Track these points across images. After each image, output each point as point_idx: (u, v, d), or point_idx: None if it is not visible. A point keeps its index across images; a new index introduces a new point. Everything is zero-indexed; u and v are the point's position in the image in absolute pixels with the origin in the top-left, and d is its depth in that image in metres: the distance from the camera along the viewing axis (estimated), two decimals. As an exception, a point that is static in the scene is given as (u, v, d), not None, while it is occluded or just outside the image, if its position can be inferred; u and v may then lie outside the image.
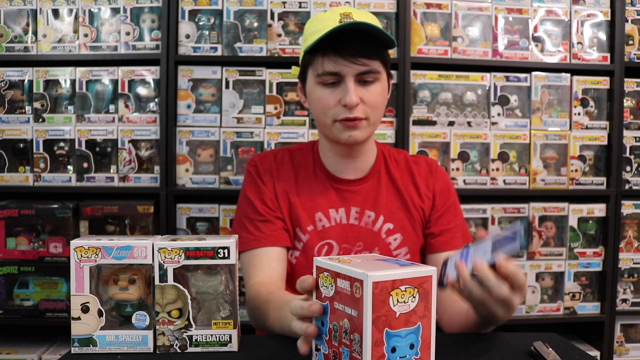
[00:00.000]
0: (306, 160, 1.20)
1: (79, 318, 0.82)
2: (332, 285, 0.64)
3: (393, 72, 1.74)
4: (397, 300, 0.58)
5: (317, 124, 1.16)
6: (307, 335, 0.68)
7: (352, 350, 0.60)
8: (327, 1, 1.71)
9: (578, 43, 1.81)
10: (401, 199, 1.17)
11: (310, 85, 1.09)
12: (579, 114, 1.81)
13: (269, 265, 1.09)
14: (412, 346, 0.60)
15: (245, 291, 1.13)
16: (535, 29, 1.80)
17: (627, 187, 1.82)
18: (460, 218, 1.23)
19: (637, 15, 1.84)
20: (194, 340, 0.83)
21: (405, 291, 0.59)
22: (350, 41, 1.02)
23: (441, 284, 0.76)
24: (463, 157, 1.76)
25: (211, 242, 0.83)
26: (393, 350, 0.59)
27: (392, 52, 1.73)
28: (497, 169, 1.77)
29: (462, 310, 0.95)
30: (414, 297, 0.59)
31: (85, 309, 0.82)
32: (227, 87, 1.71)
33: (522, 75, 1.78)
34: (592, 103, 1.82)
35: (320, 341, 0.67)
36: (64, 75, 1.70)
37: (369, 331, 0.57)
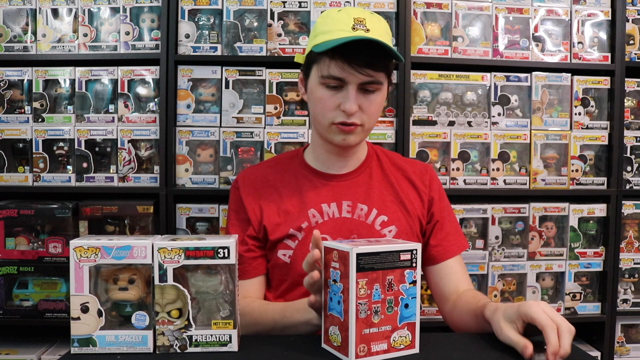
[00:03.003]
0: (292, 165, 1.24)
1: (78, 318, 0.82)
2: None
3: (393, 72, 1.73)
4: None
5: (313, 121, 1.18)
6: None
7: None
8: (327, 1, 1.71)
9: (579, 43, 1.80)
10: (394, 192, 1.20)
11: (313, 83, 1.11)
12: (579, 113, 1.81)
13: (250, 291, 1.17)
14: None
15: None
16: (536, 29, 1.79)
17: (627, 187, 1.81)
18: (455, 222, 1.26)
19: (638, 14, 1.83)
20: (193, 340, 0.83)
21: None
22: (360, 51, 1.02)
23: None
24: (463, 157, 1.75)
25: (211, 242, 0.82)
26: None
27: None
28: (498, 169, 1.76)
29: (471, 321, 1.03)
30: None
31: (84, 309, 0.82)
32: (227, 87, 1.71)
33: (522, 75, 1.78)
34: (592, 103, 1.82)
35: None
36: (64, 75, 1.70)
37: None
